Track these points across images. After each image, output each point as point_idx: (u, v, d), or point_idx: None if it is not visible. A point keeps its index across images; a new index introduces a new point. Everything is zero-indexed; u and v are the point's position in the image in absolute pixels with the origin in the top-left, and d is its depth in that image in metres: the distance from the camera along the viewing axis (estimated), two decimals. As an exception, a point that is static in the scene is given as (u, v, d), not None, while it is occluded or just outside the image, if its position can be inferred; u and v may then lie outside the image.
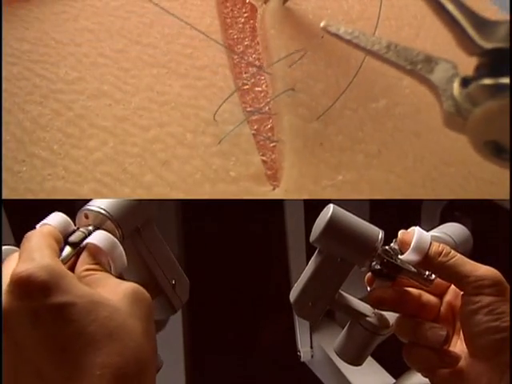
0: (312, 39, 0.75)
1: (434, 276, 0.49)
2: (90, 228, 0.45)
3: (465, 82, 0.56)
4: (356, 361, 0.51)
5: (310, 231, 0.99)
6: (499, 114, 0.51)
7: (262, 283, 1.16)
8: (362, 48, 0.62)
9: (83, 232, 0.45)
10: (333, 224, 0.48)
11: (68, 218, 0.46)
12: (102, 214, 0.46)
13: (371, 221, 1.04)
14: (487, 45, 0.53)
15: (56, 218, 0.45)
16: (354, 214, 1.03)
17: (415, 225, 1.00)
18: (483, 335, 0.46)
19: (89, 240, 0.44)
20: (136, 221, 0.48)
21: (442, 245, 0.48)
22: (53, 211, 0.47)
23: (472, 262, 0.47)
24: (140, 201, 0.49)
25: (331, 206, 0.48)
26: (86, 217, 0.46)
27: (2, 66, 0.71)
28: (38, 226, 0.45)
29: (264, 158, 0.69)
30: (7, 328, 0.38)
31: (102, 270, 0.43)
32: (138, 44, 0.74)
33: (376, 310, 0.51)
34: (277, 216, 0.99)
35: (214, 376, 1.13)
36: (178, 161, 0.67)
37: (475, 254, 0.62)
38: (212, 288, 1.14)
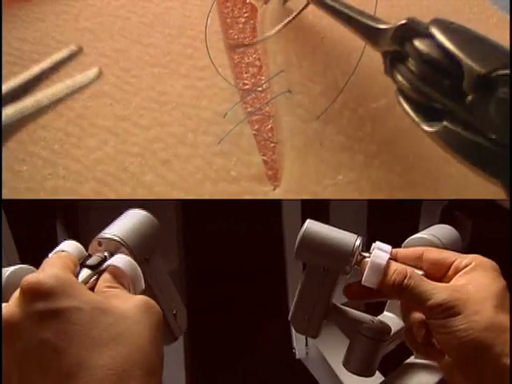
0: (311, 40, 0.75)
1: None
2: (106, 253, 0.47)
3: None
4: (364, 371, 0.50)
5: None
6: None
7: (259, 283, 1.16)
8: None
9: (100, 256, 0.46)
10: (307, 236, 0.49)
11: (80, 245, 0.47)
12: (116, 240, 0.47)
13: (370, 221, 1.05)
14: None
15: (69, 245, 0.47)
16: (353, 214, 1.05)
17: (415, 225, 1.00)
18: (448, 351, 0.47)
19: (110, 262, 0.45)
20: (146, 250, 0.49)
21: (400, 269, 0.48)
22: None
23: (426, 286, 0.47)
24: (150, 230, 0.50)
25: (308, 220, 0.50)
26: (100, 244, 0.47)
27: (1, 65, 0.71)
28: (50, 255, 0.46)
29: (265, 157, 0.69)
30: (15, 330, 0.39)
31: (121, 289, 0.44)
32: (139, 44, 0.75)
33: (375, 317, 0.51)
34: (274, 216, 0.99)
35: (212, 372, 1.14)
36: (178, 160, 0.67)
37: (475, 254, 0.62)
38: (211, 286, 1.14)
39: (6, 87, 0.57)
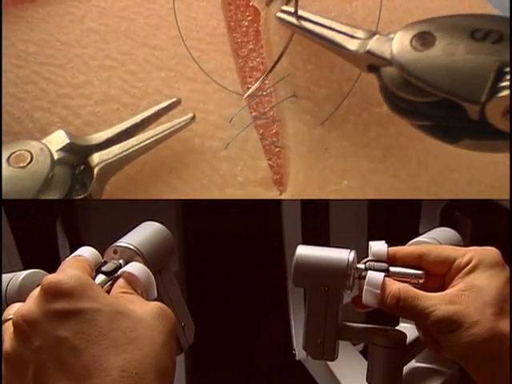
0: (315, 44, 0.75)
1: (421, 272, 0.50)
2: (121, 261, 0.48)
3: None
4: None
5: (307, 231, 0.98)
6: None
7: (259, 282, 1.16)
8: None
9: (115, 263, 0.47)
10: (301, 261, 0.50)
11: (97, 251, 0.48)
12: (131, 249, 0.48)
13: (370, 221, 1.05)
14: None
15: (86, 251, 0.48)
16: (353, 214, 1.05)
17: (415, 225, 1.01)
18: (456, 360, 0.48)
19: (126, 269, 0.46)
20: (160, 261, 0.50)
21: (393, 292, 0.48)
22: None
23: (422, 304, 0.47)
24: (164, 243, 0.51)
25: (298, 246, 0.51)
26: (115, 252, 0.48)
27: (1, 66, 0.71)
28: (68, 258, 0.47)
29: (270, 162, 0.69)
30: (33, 327, 0.40)
31: (135, 295, 0.45)
32: (145, 46, 0.74)
33: (388, 327, 0.51)
34: (274, 216, 0.99)
35: (212, 372, 1.14)
36: (185, 166, 0.67)
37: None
38: (210, 286, 1.14)
39: (114, 131, 0.66)
